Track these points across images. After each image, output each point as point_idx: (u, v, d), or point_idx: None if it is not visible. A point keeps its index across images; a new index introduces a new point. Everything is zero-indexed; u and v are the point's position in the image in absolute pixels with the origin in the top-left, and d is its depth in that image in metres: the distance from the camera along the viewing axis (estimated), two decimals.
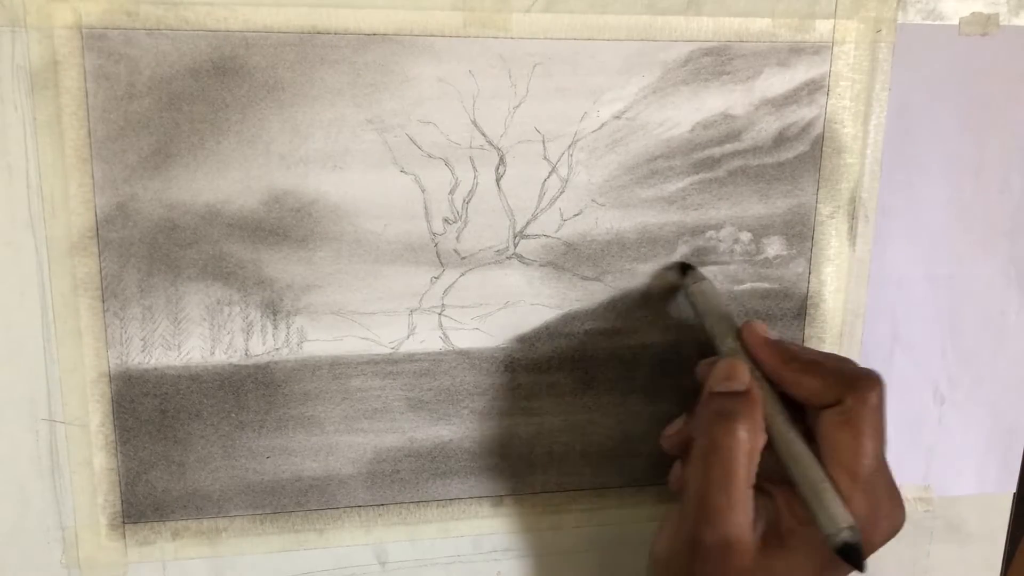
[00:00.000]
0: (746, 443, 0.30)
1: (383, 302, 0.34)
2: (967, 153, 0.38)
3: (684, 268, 0.36)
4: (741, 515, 0.30)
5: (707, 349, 0.37)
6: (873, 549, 0.31)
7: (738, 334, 0.33)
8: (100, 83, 0.31)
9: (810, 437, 0.31)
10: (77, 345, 0.32)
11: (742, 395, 0.32)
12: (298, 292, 0.34)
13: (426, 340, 0.35)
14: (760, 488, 0.31)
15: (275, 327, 0.34)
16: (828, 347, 0.38)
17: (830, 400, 0.31)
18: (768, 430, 0.31)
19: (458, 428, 0.36)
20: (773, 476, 0.31)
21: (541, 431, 0.37)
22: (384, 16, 0.32)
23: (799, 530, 0.30)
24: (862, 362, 0.37)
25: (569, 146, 0.34)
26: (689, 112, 0.35)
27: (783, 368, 0.32)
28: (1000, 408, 0.41)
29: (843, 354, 0.37)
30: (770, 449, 0.31)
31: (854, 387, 0.31)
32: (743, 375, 0.32)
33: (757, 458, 0.31)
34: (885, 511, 0.31)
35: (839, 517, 0.29)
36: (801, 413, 0.33)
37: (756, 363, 0.33)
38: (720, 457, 0.30)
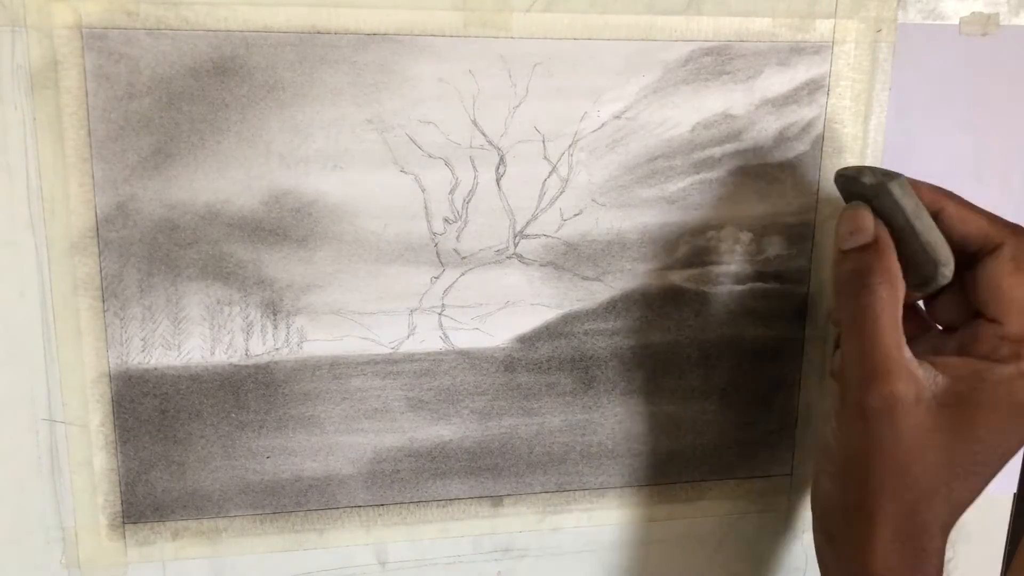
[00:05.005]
0: (886, 299, 0.30)
1: (383, 302, 0.34)
2: (967, 153, 0.38)
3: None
4: (901, 370, 0.29)
5: (707, 349, 0.37)
6: None
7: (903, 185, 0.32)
8: (100, 83, 0.31)
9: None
10: (77, 345, 0.32)
11: (871, 247, 0.31)
12: (298, 292, 0.34)
13: (426, 340, 0.35)
14: (933, 363, 0.31)
15: (275, 327, 0.34)
16: (829, 348, 0.38)
17: (993, 242, 0.30)
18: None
19: (458, 428, 0.36)
20: (945, 350, 0.31)
21: (541, 431, 0.37)
22: (384, 16, 0.32)
23: (975, 378, 0.30)
24: None
25: (569, 146, 0.34)
26: (689, 112, 0.35)
27: (946, 200, 0.31)
28: None
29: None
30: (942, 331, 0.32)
31: (1017, 232, 0.31)
32: (866, 223, 0.31)
33: (901, 310, 0.30)
34: None
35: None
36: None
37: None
38: (866, 320, 0.30)
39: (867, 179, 0.31)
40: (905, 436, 0.30)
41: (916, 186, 0.31)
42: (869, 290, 0.30)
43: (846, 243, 0.31)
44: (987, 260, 0.31)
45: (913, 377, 0.30)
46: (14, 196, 0.31)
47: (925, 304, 0.34)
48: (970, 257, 0.31)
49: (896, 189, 0.31)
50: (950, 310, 0.33)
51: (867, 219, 0.31)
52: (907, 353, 0.30)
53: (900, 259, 0.31)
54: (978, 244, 0.31)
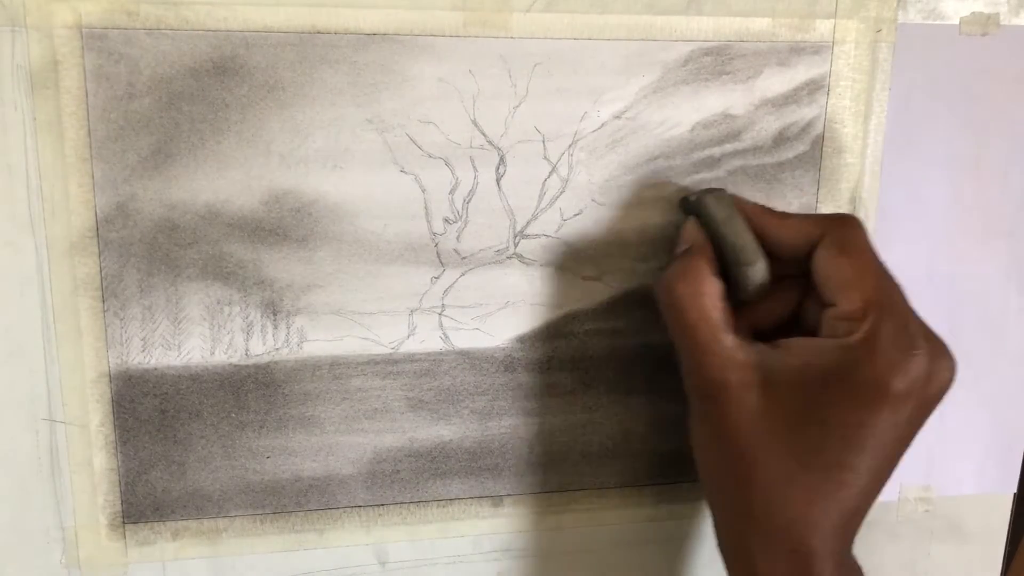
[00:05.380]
0: (687, 295, 0.31)
1: (383, 302, 0.34)
2: (967, 153, 0.38)
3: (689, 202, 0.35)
4: (718, 356, 0.30)
5: None
6: (930, 402, 0.30)
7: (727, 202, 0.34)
8: (100, 83, 0.31)
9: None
10: (77, 345, 0.32)
11: (684, 252, 0.32)
12: (298, 292, 0.34)
13: (426, 340, 0.35)
14: (774, 345, 0.31)
15: (275, 327, 0.34)
16: None
17: (815, 236, 0.31)
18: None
19: (458, 428, 0.36)
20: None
21: (541, 431, 0.37)
22: (384, 16, 0.32)
23: (810, 353, 0.30)
24: None
25: (569, 146, 0.34)
26: (689, 112, 0.35)
27: (764, 214, 0.33)
28: (1000, 408, 0.41)
29: None
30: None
31: (834, 219, 0.32)
32: (687, 233, 0.33)
33: (715, 302, 0.31)
34: (925, 346, 0.29)
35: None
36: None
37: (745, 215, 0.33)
38: (674, 317, 0.31)
39: (692, 197, 0.34)
40: (742, 421, 0.30)
41: (740, 202, 0.33)
42: (671, 288, 0.31)
43: (674, 253, 0.33)
44: (815, 254, 0.31)
45: (735, 362, 0.30)
46: (14, 196, 0.31)
47: (801, 322, 0.34)
48: (807, 256, 0.32)
49: (710, 201, 0.33)
50: (814, 317, 0.33)
51: (688, 230, 0.33)
52: (728, 340, 0.31)
53: (723, 265, 0.33)
54: (804, 243, 0.32)
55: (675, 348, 0.32)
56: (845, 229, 0.31)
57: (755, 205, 0.33)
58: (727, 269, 0.33)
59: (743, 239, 0.32)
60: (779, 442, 0.29)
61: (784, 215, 0.33)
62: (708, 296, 0.31)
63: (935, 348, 0.30)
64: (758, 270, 0.32)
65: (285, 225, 0.33)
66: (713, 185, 0.36)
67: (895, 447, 0.30)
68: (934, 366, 0.29)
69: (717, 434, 0.31)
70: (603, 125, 0.34)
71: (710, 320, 0.31)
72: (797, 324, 0.34)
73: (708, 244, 0.32)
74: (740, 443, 0.30)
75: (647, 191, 0.35)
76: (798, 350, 0.30)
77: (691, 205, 0.34)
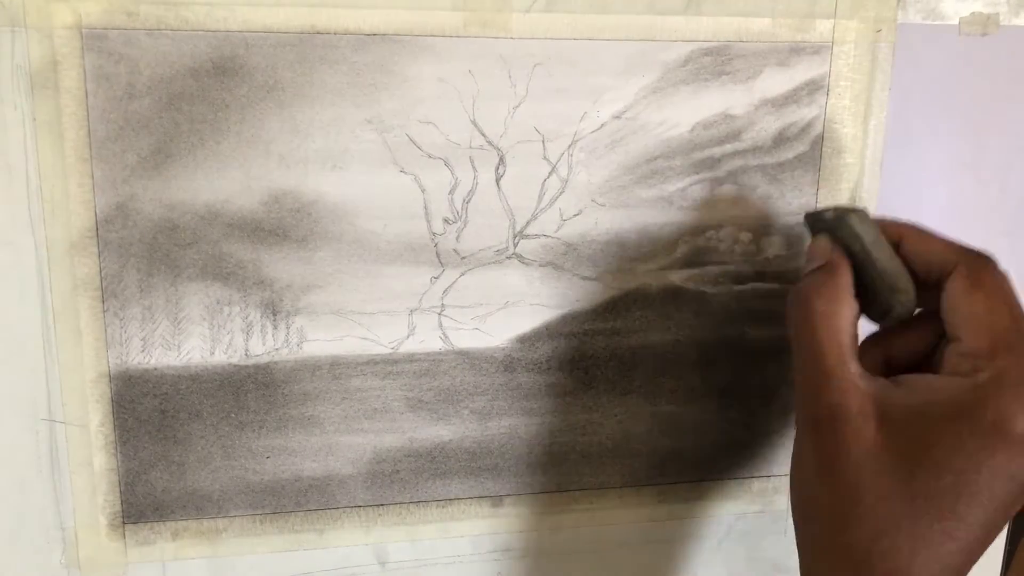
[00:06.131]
0: (824, 312, 0.30)
1: (383, 302, 0.34)
2: (967, 153, 0.38)
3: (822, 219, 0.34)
4: (843, 382, 0.29)
5: (707, 349, 0.37)
6: None
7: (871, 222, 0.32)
8: (100, 83, 0.31)
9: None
10: (77, 345, 0.32)
11: (822, 267, 0.31)
12: (298, 292, 0.34)
13: (426, 340, 0.35)
14: (895, 380, 0.30)
15: (275, 327, 0.34)
16: None
17: (950, 263, 0.30)
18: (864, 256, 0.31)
19: (458, 428, 0.36)
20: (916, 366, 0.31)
21: (541, 431, 0.37)
22: (384, 16, 0.32)
23: (930, 390, 0.29)
24: None
25: (569, 146, 0.34)
26: (689, 112, 0.35)
27: (907, 232, 0.32)
28: None
29: None
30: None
31: (970, 251, 0.30)
32: (823, 249, 0.32)
33: (849, 326, 0.30)
34: None
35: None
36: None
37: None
38: (805, 334, 0.30)
39: (828, 214, 0.32)
40: (855, 454, 0.28)
41: (882, 222, 0.32)
42: (807, 304, 0.30)
43: (805, 269, 0.32)
44: (947, 283, 0.30)
45: (858, 390, 0.29)
46: (14, 196, 0.31)
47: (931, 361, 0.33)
48: (938, 285, 0.31)
49: (854, 219, 0.32)
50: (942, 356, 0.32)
51: (823, 245, 0.32)
52: (853, 367, 0.29)
53: (862, 288, 0.31)
54: (939, 269, 0.31)
55: (796, 368, 0.31)
56: (981, 262, 0.30)
57: (895, 224, 0.32)
58: (868, 293, 0.31)
59: (893, 264, 0.31)
60: (891, 482, 0.28)
61: (923, 235, 0.31)
62: (843, 318, 0.30)
63: None
64: (908, 298, 0.31)
65: (285, 225, 0.33)
66: (712, 184, 0.36)
67: (1008, 502, 0.28)
68: None
69: (827, 466, 0.29)
70: (603, 125, 0.34)
71: (841, 343, 0.30)
72: (926, 363, 0.32)
73: (847, 263, 0.31)
74: (850, 478, 0.28)
75: (647, 191, 0.35)
76: (920, 387, 0.29)
77: (826, 222, 0.32)
